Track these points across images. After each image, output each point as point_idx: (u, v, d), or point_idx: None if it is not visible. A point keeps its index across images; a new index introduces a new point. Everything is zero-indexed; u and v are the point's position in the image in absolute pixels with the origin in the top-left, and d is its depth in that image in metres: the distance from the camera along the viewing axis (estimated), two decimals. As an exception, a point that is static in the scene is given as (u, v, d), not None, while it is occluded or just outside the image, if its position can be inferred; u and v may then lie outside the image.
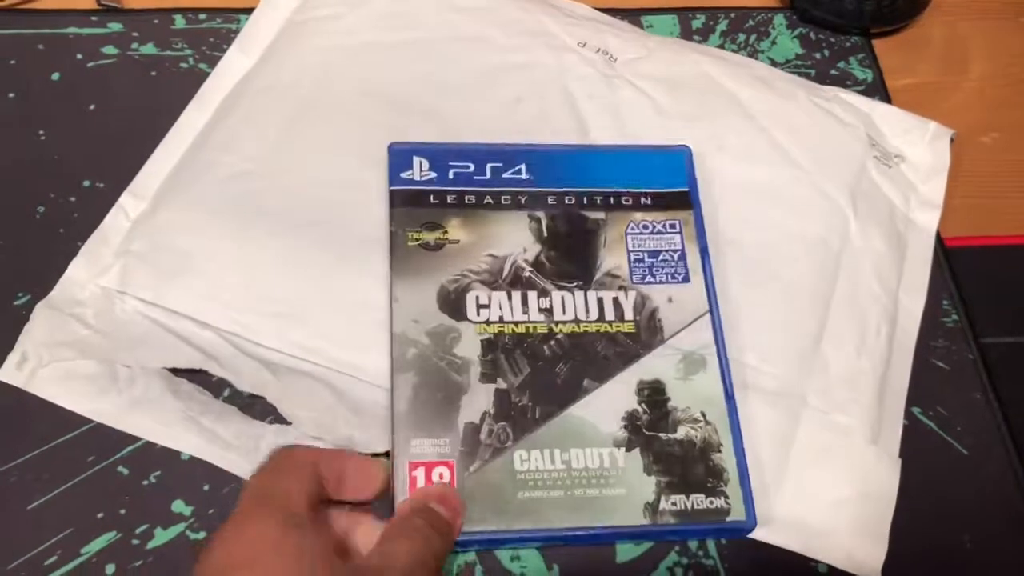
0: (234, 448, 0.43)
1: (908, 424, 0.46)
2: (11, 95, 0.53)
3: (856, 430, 0.45)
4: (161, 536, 0.42)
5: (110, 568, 0.41)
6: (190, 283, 0.46)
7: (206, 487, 0.43)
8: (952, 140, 0.54)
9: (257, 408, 0.44)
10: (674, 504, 0.41)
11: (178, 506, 0.42)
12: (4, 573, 0.40)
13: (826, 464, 0.44)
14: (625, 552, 0.42)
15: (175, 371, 0.45)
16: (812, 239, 0.49)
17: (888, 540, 0.43)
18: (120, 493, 0.42)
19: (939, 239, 0.51)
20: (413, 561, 0.35)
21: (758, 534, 0.42)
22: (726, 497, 0.41)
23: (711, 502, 0.41)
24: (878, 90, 0.57)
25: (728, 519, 0.41)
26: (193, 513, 0.42)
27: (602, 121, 0.52)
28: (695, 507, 0.41)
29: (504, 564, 0.42)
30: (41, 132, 0.52)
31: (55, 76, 0.54)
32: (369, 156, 0.49)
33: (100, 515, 0.42)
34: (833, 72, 0.57)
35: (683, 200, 0.49)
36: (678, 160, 0.50)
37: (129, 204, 0.49)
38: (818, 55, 0.58)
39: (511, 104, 0.52)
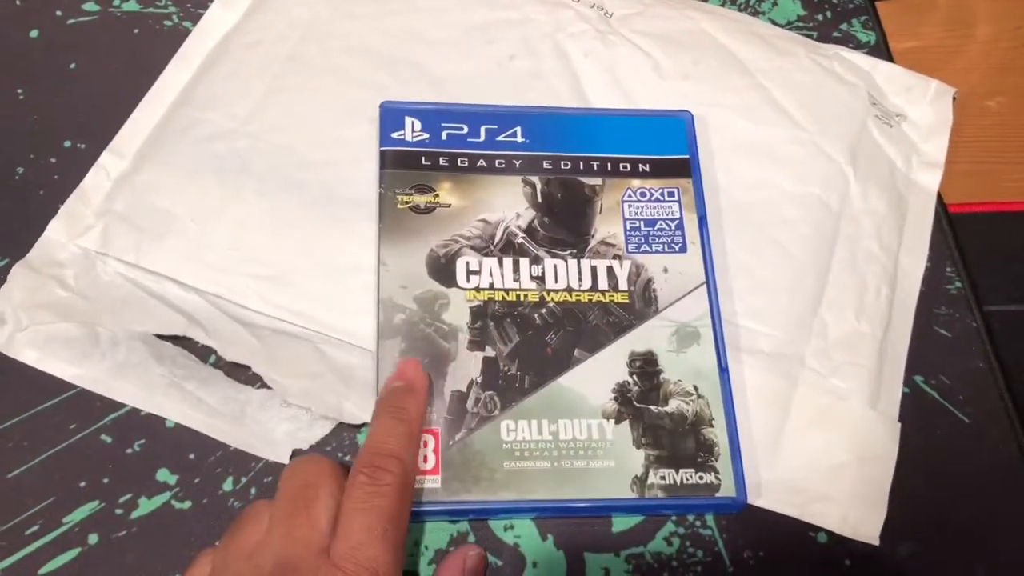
0: (219, 415, 0.42)
1: (910, 392, 0.45)
2: (-12, 53, 0.52)
3: (855, 393, 0.44)
4: (146, 505, 0.41)
5: (93, 538, 0.40)
6: (173, 244, 0.45)
7: (191, 455, 0.42)
8: (955, 99, 0.53)
9: (243, 373, 0.43)
10: (663, 478, 0.40)
11: (163, 475, 0.42)
12: (-16, 543, 0.40)
13: (824, 428, 0.43)
14: (621, 522, 0.42)
15: (159, 336, 0.44)
16: (811, 200, 0.48)
17: (887, 505, 0.42)
18: (103, 461, 0.42)
19: (943, 205, 0.50)
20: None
21: (755, 500, 0.42)
22: (716, 472, 0.41)
23: (701, 477, 0.41)
24: (881, 53, 0.55)
25: (718, 495, 0.40)
26: (178, 482, 0.41)
27: (598, 80, 0.51)
28: (684, 482, 0.40)
29: (498, 534, 0.41)
30: (20, 91, 0.50)
31: (34, 33, 0.52)
32: (358, 114, 0.48)
33: (83, 484, 0.41)
34: (836, 34, 0.56)
35: (682, 167, 0.47)
36: (678, 126, 0.49)
37: (110, 163, 0.48)
38: (820, 17, 0.56)
39: (503, 62, 0.51)
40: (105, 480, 0.41)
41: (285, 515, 0.34)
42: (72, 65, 0.51)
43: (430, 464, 0.40)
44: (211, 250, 0.45)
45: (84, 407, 0.43)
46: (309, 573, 0.32)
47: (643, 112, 0.50)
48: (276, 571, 0.32)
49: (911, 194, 0.50)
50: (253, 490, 0.41)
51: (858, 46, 0.55)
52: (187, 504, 0.41)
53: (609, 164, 0.47)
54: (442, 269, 0.44)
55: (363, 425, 0.43)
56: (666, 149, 0.48)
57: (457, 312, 0.43)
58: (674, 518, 0.42)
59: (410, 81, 0.50)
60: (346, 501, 0.34)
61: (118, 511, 0.41)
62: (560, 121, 0.48)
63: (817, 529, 0.42)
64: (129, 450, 0.42)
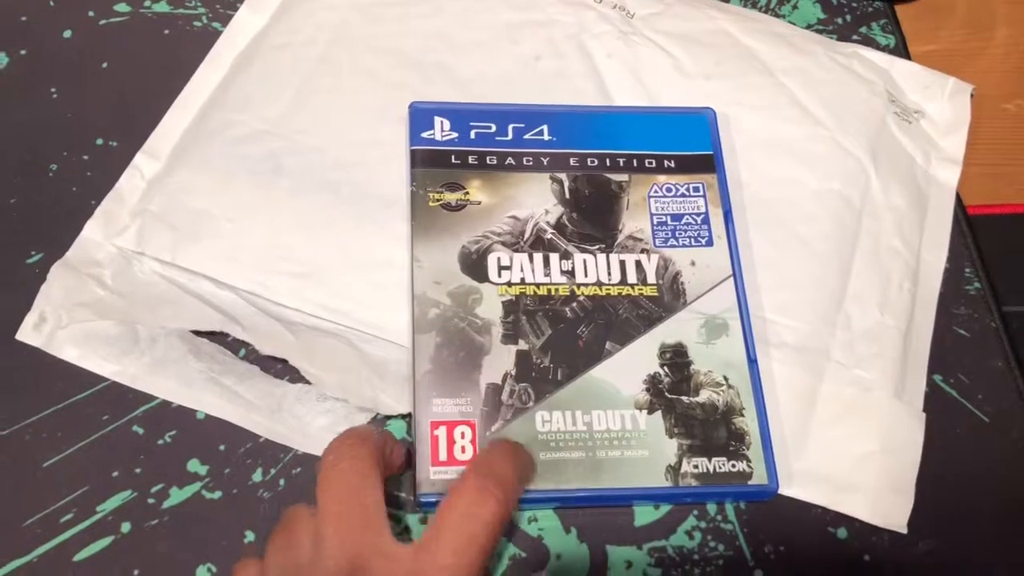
0: (257, 408, 0.43)
1: (929, 391, 0.46)
2: (23, 52, 0.52)
3: (880, 385, 0.44)
4: (177, 496, 0.41)
5: (126, 526, 0.41)
6: (208, 243, 0.45)
7: (222, 447, 0.43)
8: (972, 95, 0.54)
9: (279, 367, 0.44)
10: (696, 467, 0.41)
11: (193, 465, 0.42)
12: (20, 529, 0.40)
13: (850, 419, 0.44)
14: (644, 515, 0.42)
15: (196, 332, 0.44)
16: (833, 196, 0.49)
17: (914, 495, 0.43)
18: (135, 452, 0.42)
19: (962, 206, 0.51)
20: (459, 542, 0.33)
21: (785, 490, 0.42)
22: (748, 460, 0.41)
23: (733, 465, 0.41)
24: (900, 56, 0.56)
25: (750, 482, 0.41)
26: (209, 473, 0.42)
27: (621, 80, 0.51)
28: (717, 470, 0.41)
29: (522, 526, 0.42)
30: (53, 90, 0.51)
31: (67, 34, 0.53)
32: (387, 115, 0.49)
33: (115, 474, 0.42)
34: (855, 38, 0.56)
35: (707, 163, 0.48)
36: (702, 123, 0.49)
37: (144, 164, 0.48)
38: (840, 20, 0.57)
39: (529, 63, 0.52)
40: (137, 470, 0.42)
41: (335, 515, 0.33)
42: (104, 64, 0.52)
43: (468, 455, 0.40)
44: (246, 249, 0.45)
45: (116, 399, 0.43)
46: None
47: (667, 109, 0.50)
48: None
49: (931, 190, 0.51)
50: (282, 481, 0.42)
51: (877, 49, 0.56)
52: (217, 494, 0.42)
53: (635, 160, 0.48)
54: (474, 265, 0.44)
55: (397, 416, 0.43)
56: (690, 145, 0.49)
57: (490, 307, 0.43)
58: (696, 512, 0.42)
59: (437, 82, 0.50)
60: (446, 512, 0.33)
61: (150, 500, 0.41)
62: (586, 119, 0.49)
63: (837, 524, 0.42)
64: (160, 441, 0.42)
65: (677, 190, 0.47)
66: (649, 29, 0.53)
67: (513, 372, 0.42)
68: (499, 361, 0.42)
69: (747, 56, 0.53)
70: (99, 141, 0.50)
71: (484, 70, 0.51)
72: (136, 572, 0.40)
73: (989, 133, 0.54)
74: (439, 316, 0.43)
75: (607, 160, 0.48)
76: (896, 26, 0.57)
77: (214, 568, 0.40)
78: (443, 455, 0.40)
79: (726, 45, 0.53)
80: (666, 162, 0.48)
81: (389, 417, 0.43)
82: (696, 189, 0.47)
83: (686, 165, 0.48)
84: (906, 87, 0.54)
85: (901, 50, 0.56)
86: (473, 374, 0.42)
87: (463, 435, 0.41)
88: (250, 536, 0.41)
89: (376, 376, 0.43)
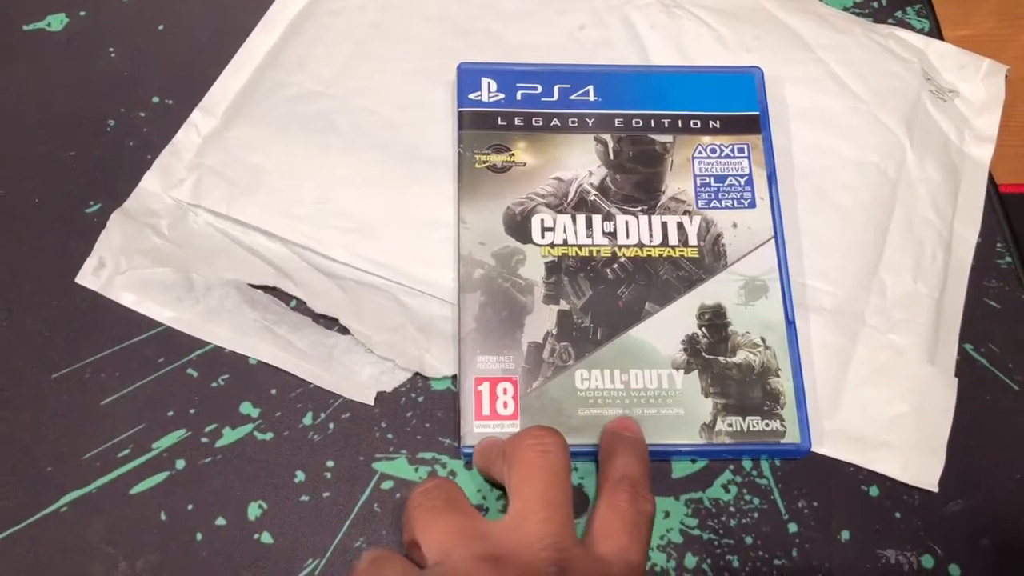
0: (309, 357, 0.44)
1: (960, 359, 0.47)
2: (82, 13, 0.54)
3: (912, 350, 0.46)
4: (229, 436, 0.43)
5: (180, 463, 0.42)
6: (262, 197, 0.47)
7: (273, 391, 0.44)
8: (1007, 76, 0.55)
9: (330, 319, 0.45)
10: (730, 425, 0.42)
11: (246, 408, 0.44)
12: (81, 462, 0.42)
13: (883, 381, 0.45)
14: (681, 468, 0.43)
15: (251, 285, 0.46)
16: (870, 167, 0.50)
17: (945, 456, 0.44)
18: (190, 394, 0.44)
19: (994, 184, 0.52)
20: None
21: (818, 448, 0.43)
22: (782, 420, 0.42)
23: (766, 424, 0.42)
24: (934, 40, 0.57)
25: (783, 441, 0.42)
26: (260, 415, 0.43)
27: (664, 50, 0.53)
28: (751, 428, 0.42)
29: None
30: (112, 50, 0.53)
31: (125, -4, 0.55)
32: (436, 79, 0.50)
33: (170, 413, 0.43)
34: (890, 21, 0.58)
35: (752, 124, 0.49)
36: (748, 82, 0.50)
37: (200, 121, 0.50)
38: (875, 3, 0.58)
39: (574, 32, 0.53)
40: (192, 411, 0.43)
41: (546, 500, 0.36)
42: (160, 27, 0.54)
43: (510, 410, 0.42)
44: (299, 203, 0.47)
45: (171, 343, 0.45)
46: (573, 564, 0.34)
47: (714, 68, 0.51)
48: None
49: (964, 166, 0.52)
50: (331, 425, 0.43)
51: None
52: (269, 436, 0.43)
53: (680, 121, 0.48)
54: (518, 226, 0.45)
55: (441, 378, 0.45)
56: (736, 105, 0.49)
57: (533, 267, 0.45)
58: (732, 466, 0.43)
59: (484, 49, 0.52)
60: (608, 512, 0.37)
61: (204, 440, 0.43)
62: (632, 79, 0.49)
63: (870, 482, 0.43)
64: (214, 384, 0.44)
65: (721, 151, 0.48)
66: (690, 3, 0.54)
67: (554, 331, 0.43)
68: (541, 320, 0.44)
69: (786, 32, 0.54)
70: (155, 99, 0.51)
71: (530, 38, 0.52)
72: (189, 507, 0.41)
73: (1020, 117, 0.55)
74: (483, 276, 0.44)
75: (652, 121, 0.48)
76: (930, 10, 0.58)
77: (264, 505, 0.42)
78: (486, 410, 0.42)
79: (765, 21, 0.54)
80: (711, 123, 0.48)
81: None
82: (741, 150, 0.48)
83: (731, 126, 0.48)
84: (941, 67, 0.55)
85: (935, 34, 0.57)
86: (515, 333, 0.43)
87: (505, 391, 0.42)
88: (300, 476, 0.42)
89: (422, 335, 0.44)
